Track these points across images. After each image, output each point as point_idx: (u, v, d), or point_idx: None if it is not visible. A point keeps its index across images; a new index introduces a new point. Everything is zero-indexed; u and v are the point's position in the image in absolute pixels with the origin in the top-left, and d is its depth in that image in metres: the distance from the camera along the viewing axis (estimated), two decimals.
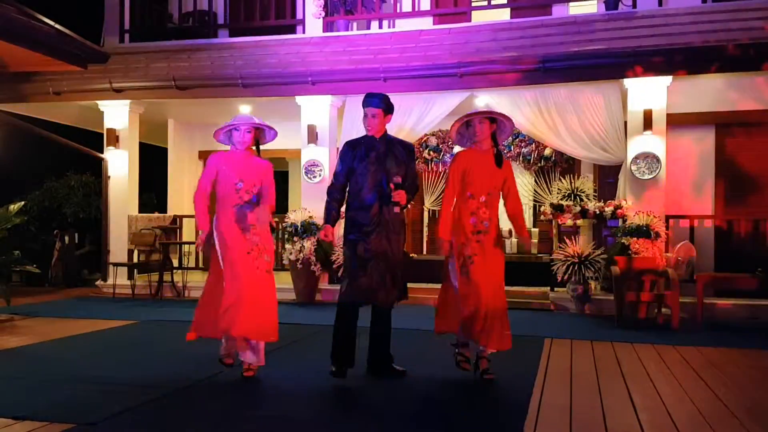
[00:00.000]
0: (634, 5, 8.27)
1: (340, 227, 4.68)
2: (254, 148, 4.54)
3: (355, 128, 8.51)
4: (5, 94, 9.18)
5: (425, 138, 9.99)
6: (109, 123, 9.25)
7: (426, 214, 10.54)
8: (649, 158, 7.48)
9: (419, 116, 8.38)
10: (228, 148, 4.54)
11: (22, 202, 7.96)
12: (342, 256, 4.39)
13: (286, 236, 8.26)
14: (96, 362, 4.85)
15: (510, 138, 9.81)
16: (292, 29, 9.66)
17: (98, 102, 9.18)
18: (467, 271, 4.19)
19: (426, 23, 9.38)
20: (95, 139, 10.06)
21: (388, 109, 4.35)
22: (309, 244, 7.92)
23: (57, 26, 8.25)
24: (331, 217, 4.37)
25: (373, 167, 4.27)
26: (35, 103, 9.51)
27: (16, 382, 4.23)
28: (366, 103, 4.33)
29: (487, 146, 4.35)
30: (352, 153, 4.35)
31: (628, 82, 7.54)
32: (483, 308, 4.13)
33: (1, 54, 8.07)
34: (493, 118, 4.37)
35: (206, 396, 3.96)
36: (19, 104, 9.59)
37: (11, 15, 7.61)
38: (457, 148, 8.96)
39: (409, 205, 9.59)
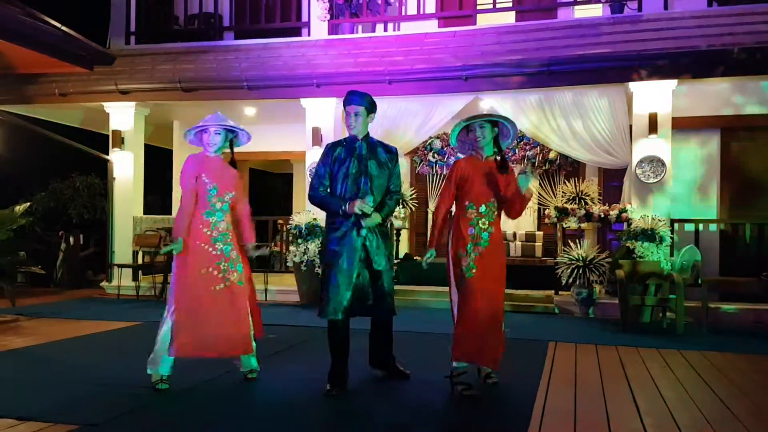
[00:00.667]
0: (640, 9, 8.26)
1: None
2: (228, 151, 4.33)
3: None
4: (11, 95, 9.22)
5: (429, 141, 9.98)
6: (114, 125, 9.28)
7: (430, 217, 10.52)
8: (654, 162, 7.46)
9: (424, 119, 8.38)
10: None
11: (28, 204, 7.99)
12: (323, 266, 4.16)
13: (290, 238, 8.26)
14: (100, 363, 4.85)
15: (514, 141, 9.78)
16: (297, 32, 9.69)
17: (104, 104, 9.21)
18: (464, 284, 4.01)
19: (431, 26, 9.39)
20: (101, 141, 10.10)
21: (371, 107, 4.15)
22: (313, 246, 7.91)
23: (63, 28, 8.28)
24: (337, 202, 4.06)
25: (354, 170, 4.07)
26: (41, 105, 9.55)
27: (21, 382, 4.24)
28: (348, 101, 4.11)
29: (489, 152, 4.15)
30: (333, 155, 4.14)
31: (634, 86, 7.53)
32: (477, 326, 3.94)
33: (7, 55, 8.10)
34: (494, 121, 4.14)
35: (208, 398, 3.96)
36: (25, 105, 9.63)
37: (17, 16, 7.64)
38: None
39: (406, 213, 9.29)
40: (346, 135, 4.27)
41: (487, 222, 4.07)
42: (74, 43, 8.51)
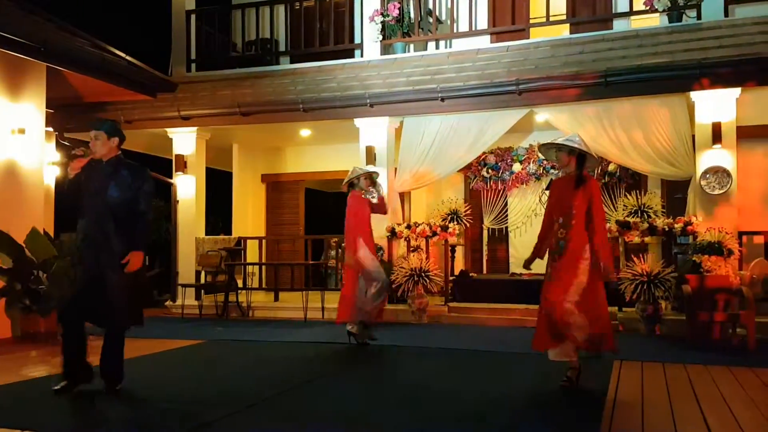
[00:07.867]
0: (699, 17, 8.05)
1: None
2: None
3: (413, 148, 8.56)
4: (80, 123, 9.64)
5: (483, 156, 9.92)
6: (177, 149, 9.59)
7: (486, 233, 10.41)
8: (719, 172, 7.22)
9: (477, 134, 8.36)
10: None
11: None
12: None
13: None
14: (165, 381, 4.99)
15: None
16: (350, 53, 9.84)
17: (167, 129, 9.55)
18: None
19: (483, 42, 9.38)
20: (164, 165, 10.45)
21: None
22: None
23: (128, 58, 8.67)
24: None
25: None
26: None
27: (88, 401, 4.40)
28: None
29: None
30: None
31: (695, 95, 7.32)
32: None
33: (75, 85, 8.52)
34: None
35: (271, 414, 4.00)
36: None
37: (86, 48, 8.06)
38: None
39: (461, 230, 9.07)
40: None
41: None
42: (138, 72, 8.90)
